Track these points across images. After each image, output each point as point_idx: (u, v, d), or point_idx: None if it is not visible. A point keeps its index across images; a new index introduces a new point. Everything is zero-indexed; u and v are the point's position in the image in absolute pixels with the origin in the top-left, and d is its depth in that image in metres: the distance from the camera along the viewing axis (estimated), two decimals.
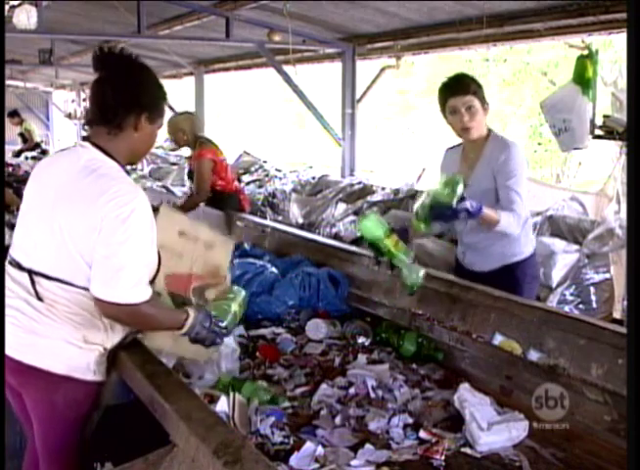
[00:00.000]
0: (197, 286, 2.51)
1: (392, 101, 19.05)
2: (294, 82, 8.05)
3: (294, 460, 1.96)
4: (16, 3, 7.21)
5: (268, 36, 7.69)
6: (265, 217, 7.20)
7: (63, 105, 16.89)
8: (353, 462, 1.96)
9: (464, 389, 2.27)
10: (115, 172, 2.12)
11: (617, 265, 4.88)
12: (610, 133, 4.49)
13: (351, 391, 2.43)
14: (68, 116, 15.41)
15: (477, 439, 2.05)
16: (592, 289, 4.90)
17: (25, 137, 12.36)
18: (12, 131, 12.32)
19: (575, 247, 4.98)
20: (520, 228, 2.99)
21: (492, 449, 2.04)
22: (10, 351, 2.13)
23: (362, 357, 2.73)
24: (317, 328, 3.01)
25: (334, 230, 6.68)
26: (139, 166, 11.83)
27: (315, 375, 2.60)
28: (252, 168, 9.85)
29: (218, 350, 2.54)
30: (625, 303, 4.65)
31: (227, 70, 11.40)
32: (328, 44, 8.00)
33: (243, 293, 2.56)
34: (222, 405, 2.15)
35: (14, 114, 12.24)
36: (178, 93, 13.62)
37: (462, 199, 2.71)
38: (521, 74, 14.76)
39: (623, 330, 2.32)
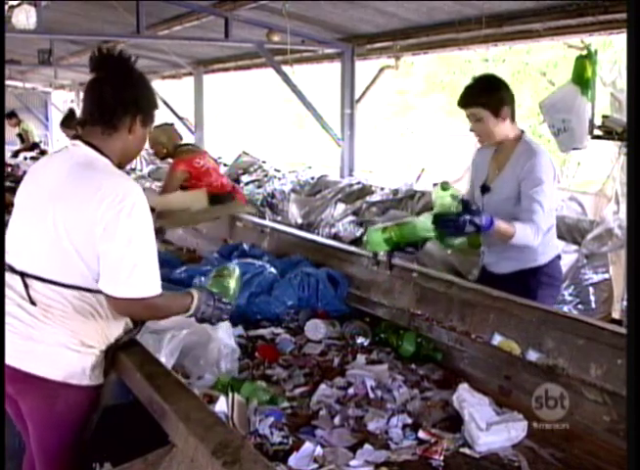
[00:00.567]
0: None
1: (392, 101, 19.07)
2: (293, 82, 8.05)
3: (292, 460, 1.96)
4: (15, 3, 7.21)
5: (267, 36, 7.69)
6: (264, 218, 7.20)
7: (62, 105, 16.89)
8: (352, 462, 1.96)
9: (463, 389, 2.27)
10: (110, 168, 2.12)
11: (615, 266, 4.88)
12: (609, 133, 4.50)
13: (350, 391, 2.43)
14: None
15: (475, 439, 2.05)
16: (591, 289, 4.90)
17: (23, 138, 12.34)
18: (10, 132, 12.31)
19: (574, 247, 4.98)
20: (538, 239, 2.88)
21: (491, 450, 2.05)
22: (7, 358, 2.08)
23: (361, 358, 2.73)
24: (316, 328, 3.01)
25: (333, 230, 6.69)
26: (138, 167, 11.85)
27: (314, 375, 2.60)
28: (252, 169, 9.85)
29: (218, 350, 2.55)
30: (624, 303, 4.65)
31: (226, 70, 11.40)
32: (327, 44, 8.00)
33: (237, 269, 2.60)
34: (221, 406, 2.15)
35: (11, 115, 12.21)
36: (177, 93, 13.63)
37: (474, 212, 2.69)
38: (520, 75, 14.75)
39: (622, 330, 2.32)
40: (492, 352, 2.61)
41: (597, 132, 4.55)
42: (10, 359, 2.09)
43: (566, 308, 4.68)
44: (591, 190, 6.31)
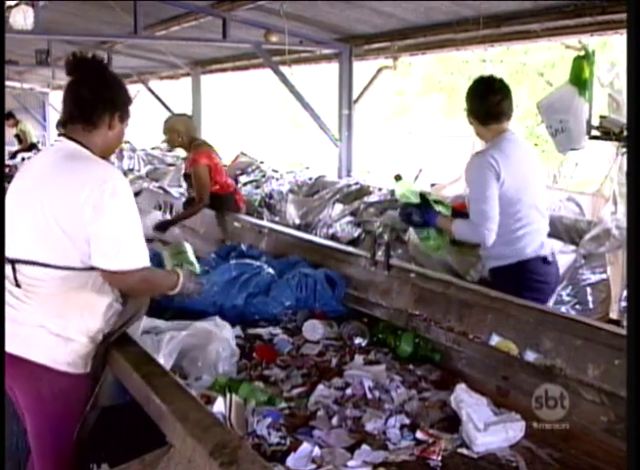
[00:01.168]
0: None
1: (390, 102, 19.06)
2: (291, 83, 8.04)
3: (290, 461, 1.96)
4: (12, 3, 7.19)
5: (265, 37, 7.68)
6: (262, 218, 7.20)
7: (59, 106, 16.81)
8: (350, 463, 1.96)
9: (461, 389, 2.27)
10: (92, 157, 2.27)
11: (613, 266, 4.88)
12: (606, 134, 4.50)
13: (348, 391, 2.43)
14: None
15: (473, 439, 2.06)
16: (589, 289, 4.90)
17: (21, 138, 12.34)
18: (8, 133, 12.29)
19: (572, 247, 4.97)
20: (480, 236, 3.10)
21: (489, 450, 2.05)
22: None
23: (359, 358, 2.73)
24: (314, 329, 3.02)
25: (331, 231, 6.67)
26: (136, 167, 11.84)
27: (312, 376, 2.60)
28: (249, 169, 9.83)
29: (217, 352, 2.56)
30: (622, 303, 4.65)
31: (224, 70, 11.39)
32: (325, 45, 8.00)
33: (187, 245, 2.78)
34: (219, 406, 2.16)
35: (8, 115, 12.21)
36: (175, 94, 13.61)
37: (425, 206, 3.24)
38: (517, 75, 14.75)
39: (620, 331, 2.32)
40: (490, 352, 2.61)
41: (594, 133, 4.55)
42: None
43: (563, 309, 4.67)
44: (589, 190, 6.31)
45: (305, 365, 2.69)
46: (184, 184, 6.52)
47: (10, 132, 12.51)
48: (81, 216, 2.10)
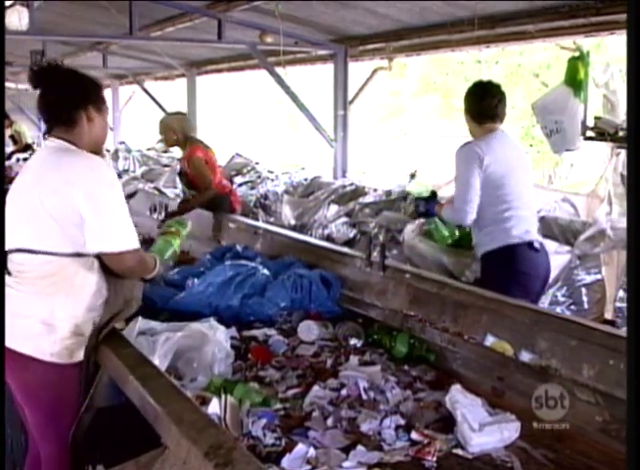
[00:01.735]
0: None
1: (385, 102, 19.10)
2: (286, 84, 8.04)
3: (285, 462, 1.96)
4: (7, 4, 7.18)
5: (260, 38, 7.67)
6: (257, 219, 7.19)
7: None
8: (345, 464, 1.96)
9: (456, 390, 2.27)
10: (80, 151, 2.38)
11: (608, 266, 4.89)
12: (601, 135, 4.50)
13: (343, 392, 2.43)
14: None
15: (468, 440, 2.06)
16: (584, 290, 4.90)
17: (16, 139, 12.30)
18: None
19: (567, 248, 4.98)
20: (460, 217, 3.54)
21: (484, 450, 2.05)
22: None
23: (354, 359, 2.73)
24: (309, 330, 3.01)
25: (326, 232, 6.67)
26: (131, 168, 11.82)
27: (307, 377, 2.60)
28: (245, 170, 9.82)
29: (213, 353, 2.56)
30: (617, 304, 4.66)
31: (219, 71, 11.39)
32: (320, 46, 8.00)
33: (188, 225, 3.00)
34: (214, 407, 2.15)
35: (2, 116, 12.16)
36: (170, 95, 13.60)
37: (430, 199, 3.85)
38: (513, 76, 14.79)
39: (615, 331, 2.33)
40: (485, 352, 2.61)
41: (589, 133, 4.56)
42: None
43: (558, 309, 4.68)
44: (584, 191, 6.30)
45: (300, 366, 2.69)
46: (179, 184, 6.50)
47: (5, 133, 12.47)
48: (71, 202, 2.22)
